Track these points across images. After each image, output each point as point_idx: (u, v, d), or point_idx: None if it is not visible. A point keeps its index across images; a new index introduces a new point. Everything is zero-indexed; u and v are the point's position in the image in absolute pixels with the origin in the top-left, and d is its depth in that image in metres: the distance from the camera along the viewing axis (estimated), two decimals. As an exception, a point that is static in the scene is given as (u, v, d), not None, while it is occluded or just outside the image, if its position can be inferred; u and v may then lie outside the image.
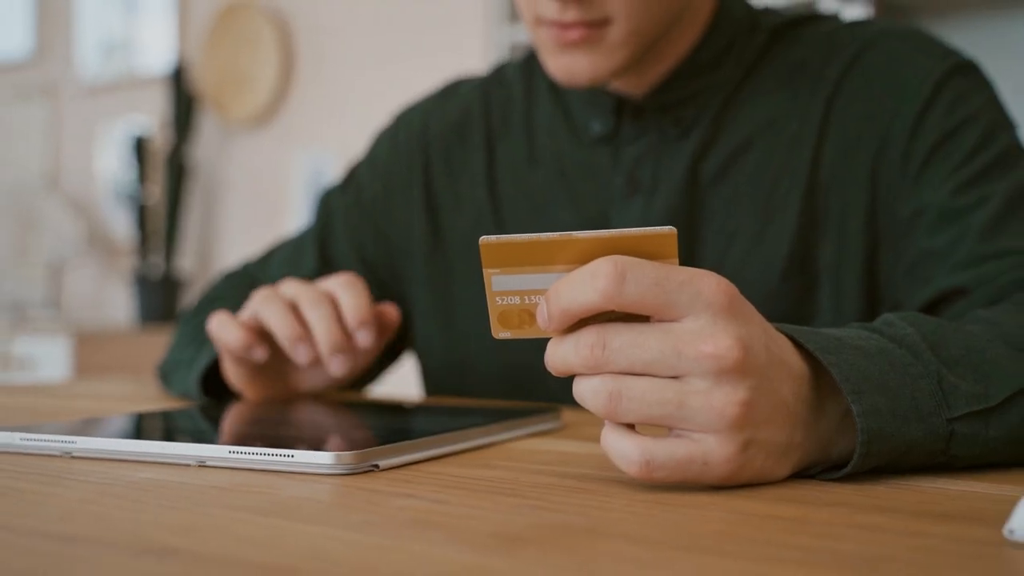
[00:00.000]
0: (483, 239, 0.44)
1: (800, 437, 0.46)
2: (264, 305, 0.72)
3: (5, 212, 3.70)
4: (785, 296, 0.77)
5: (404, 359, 0.99)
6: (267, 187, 3.15)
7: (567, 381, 0.83)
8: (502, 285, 0.45)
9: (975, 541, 0.35)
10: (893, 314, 0.52)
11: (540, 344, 0.85)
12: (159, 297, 3.14)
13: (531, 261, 0.44)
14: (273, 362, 0.76)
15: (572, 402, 0.81)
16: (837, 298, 0.76)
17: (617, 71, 0.76)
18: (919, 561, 0.32)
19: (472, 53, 2.61)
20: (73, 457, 0.52)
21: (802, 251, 0.77)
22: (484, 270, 0.45)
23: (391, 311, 0.76)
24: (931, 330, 0.50)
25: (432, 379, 0.94)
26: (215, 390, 0.80)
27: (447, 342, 0.90)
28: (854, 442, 0.47)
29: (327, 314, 0.70)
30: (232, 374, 0.76)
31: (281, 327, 0.70)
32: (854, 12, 1.92)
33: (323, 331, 0.70)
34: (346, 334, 0.71)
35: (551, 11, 0.72)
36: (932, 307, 0.70)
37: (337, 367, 0.70)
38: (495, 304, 0.46)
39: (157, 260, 3.22)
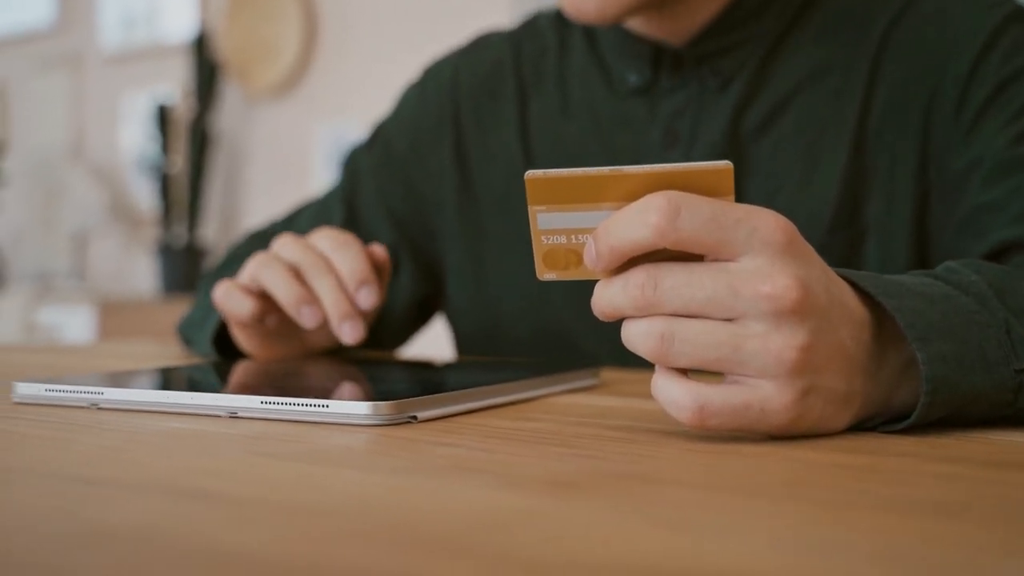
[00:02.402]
0: (529, 173, 0.42)
1: (860, 385, 0.43)
2: (264, 269, 0.68)
3: (30, 182, 3.70)
4: (831, 250, 0.74)
5: (434, 323, 0.97)
6: (290, 156, 3.14)
7: (602, 343, 0.82)
8: (548, 223, 0.43)
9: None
10: (955, 261, 0.49)
11: (574, 304, 0.83)
12: (182, 266, 3.14)
13: (579, 198, 0.42)
14: (280, 325, 0.73)
15: (609, 362, 0.79)
16: (885, 252, 0.73)
17: (629, 8, 0.73)
18: (1001, 508, 0.30)
19: (498, 20, 2.57)
20: (100, 408, 0.50)
21: (849, 205, 0.74)
22: (530, 207, 0.43)
23: (379, 250, 0.72)
24: (997, 278, 0.47)
25: (464, 342, 0.92)
26: (231, 348, 0.77)
27: (479, 302, 0.88)
28: (916, 392, 0.44)
29: (332, 283, 0.67)
30: (241, 339, 0.74)
31: (285, 293, 0.67)
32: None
33: (331, 301, 0.67)
34: (350, 298, 0.68)
35: None
36: (988, 261, 0.68)
37: (348, 334, 0.67)
38: (540, 243, 0.44)
39: (180, 229, 3.21)
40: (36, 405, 0.51)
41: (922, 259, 0.73)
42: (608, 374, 0.70)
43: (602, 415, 0.50)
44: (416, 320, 0.93)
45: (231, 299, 0.69)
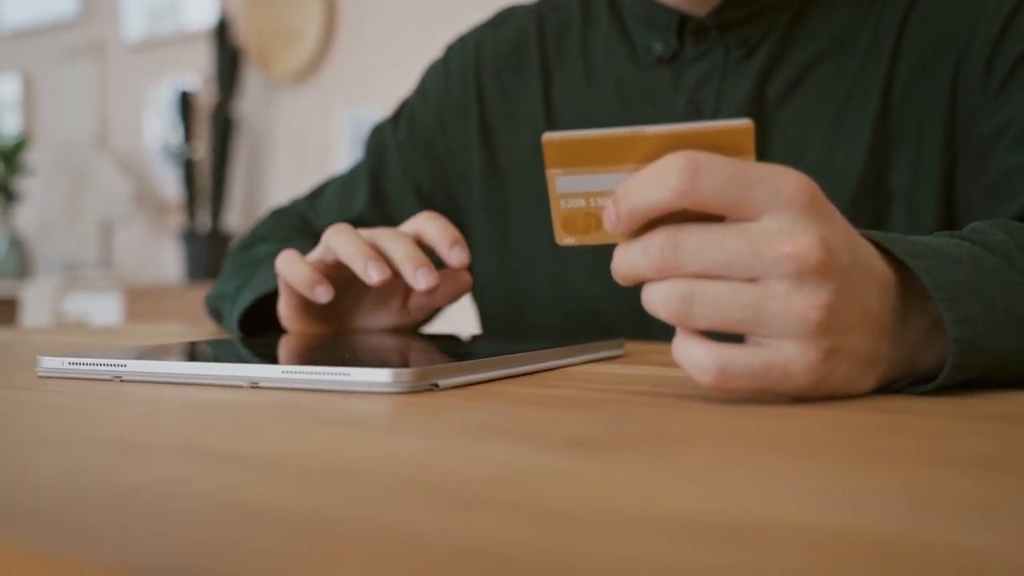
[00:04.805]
0: (546, 136, 0.41)
1: (886, 347, 0.43)
2: (337, 236, 0.66)
3: (56, 172, 3.73)
4: (856, 219, 0.72)
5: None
6: (312, 141, 3.14)
7: (627, 316, 0.82)
8: (567, 187, 0.43)
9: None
10: (983, 222, 0.49)
11: (598, 277, 0.83)
12: (207, 252, 3.15)
13: (598, 160, 0.42)
14: (335, 306, 0.72)
15: (634, 336, 0.79)
16: (911, 220, 0.72)
17: None
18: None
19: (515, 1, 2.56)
20: (123, 381, 0.50)
21: (875, 172, 0.73)
22: (547, 170, 0.42)
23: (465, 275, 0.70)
24: (1025, 237, 0.47)
25: (488, 317, 0.91)
26: (256, 328, 0.77)
27: (503, 276, 0.88)
28: (942, 354, 0.44)
29: (406, 240, 0.65)
30: (287, 315, 0.72)
31: (353, 251, 0.65)
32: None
33: (404, 253, 0.64)
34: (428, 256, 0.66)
35: None
36: (1016, 223, 0.67)
37: (424, 280, 0.63)
38: (559, 208, 0.44)
39: (204, 216, 3.23)
40: (61, 378, 0.51)
41: (949, 226, 0.72)
42: (633, 346, 0.69)
43: (626, 382, 0.49)
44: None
45: (291, 265, 0.67)
